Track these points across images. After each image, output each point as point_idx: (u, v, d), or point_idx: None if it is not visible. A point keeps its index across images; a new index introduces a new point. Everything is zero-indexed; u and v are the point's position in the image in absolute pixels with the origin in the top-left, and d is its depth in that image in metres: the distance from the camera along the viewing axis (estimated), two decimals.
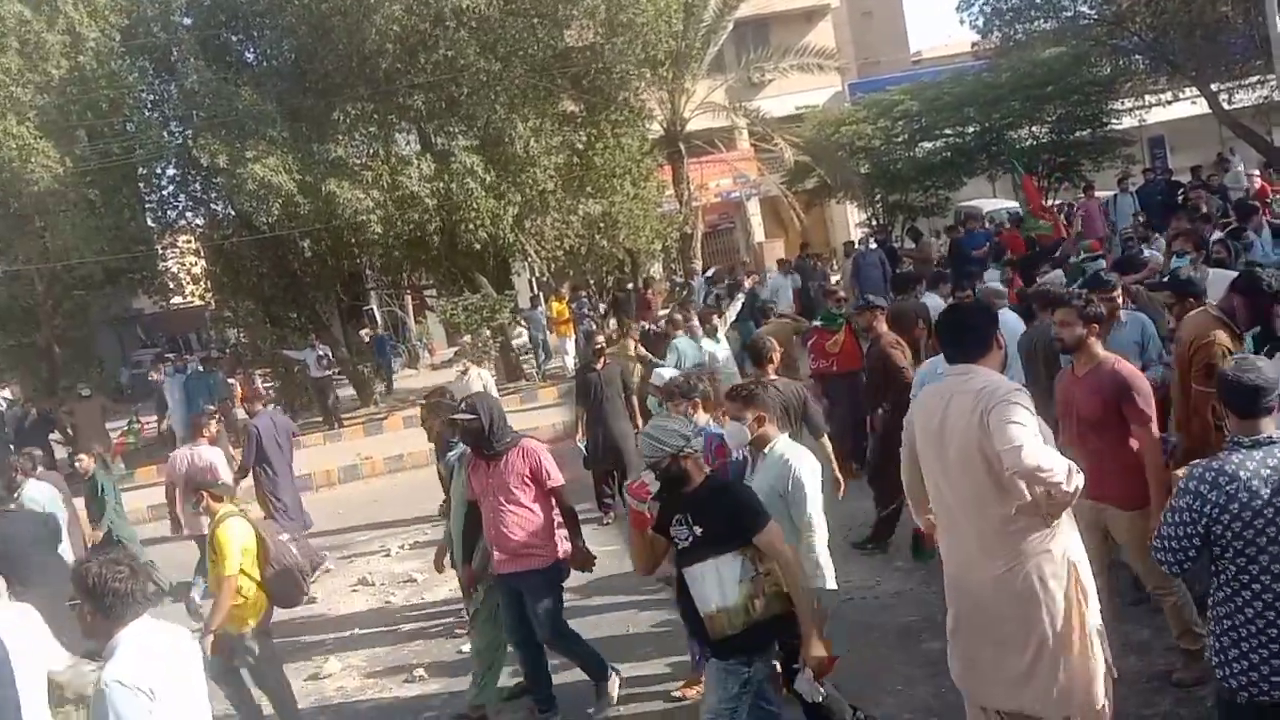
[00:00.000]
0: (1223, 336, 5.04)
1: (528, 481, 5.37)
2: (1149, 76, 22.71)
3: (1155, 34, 21.26)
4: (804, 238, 22.76)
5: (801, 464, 4.60)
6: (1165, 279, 6.36)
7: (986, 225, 18.69)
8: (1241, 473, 3.05)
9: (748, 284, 14.70)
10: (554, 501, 5.49)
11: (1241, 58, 20.51)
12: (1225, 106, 21.81)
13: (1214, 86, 21.49)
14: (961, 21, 24.80)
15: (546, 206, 18.24)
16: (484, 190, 16.71)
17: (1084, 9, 22.10)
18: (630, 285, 21.34)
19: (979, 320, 3.80)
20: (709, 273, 19.62)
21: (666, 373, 7.32)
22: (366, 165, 17.49)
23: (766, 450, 4.72)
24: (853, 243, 21.35)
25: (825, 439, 6.42)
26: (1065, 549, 3.63)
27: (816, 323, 10.07)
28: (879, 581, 7.00)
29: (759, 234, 27.99)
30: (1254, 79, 20.71)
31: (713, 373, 8.79)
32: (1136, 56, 22.26)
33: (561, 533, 5.55)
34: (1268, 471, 3.03)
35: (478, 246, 17.71)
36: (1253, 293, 5.15)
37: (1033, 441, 3.42)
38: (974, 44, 25.43)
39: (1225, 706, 3.34)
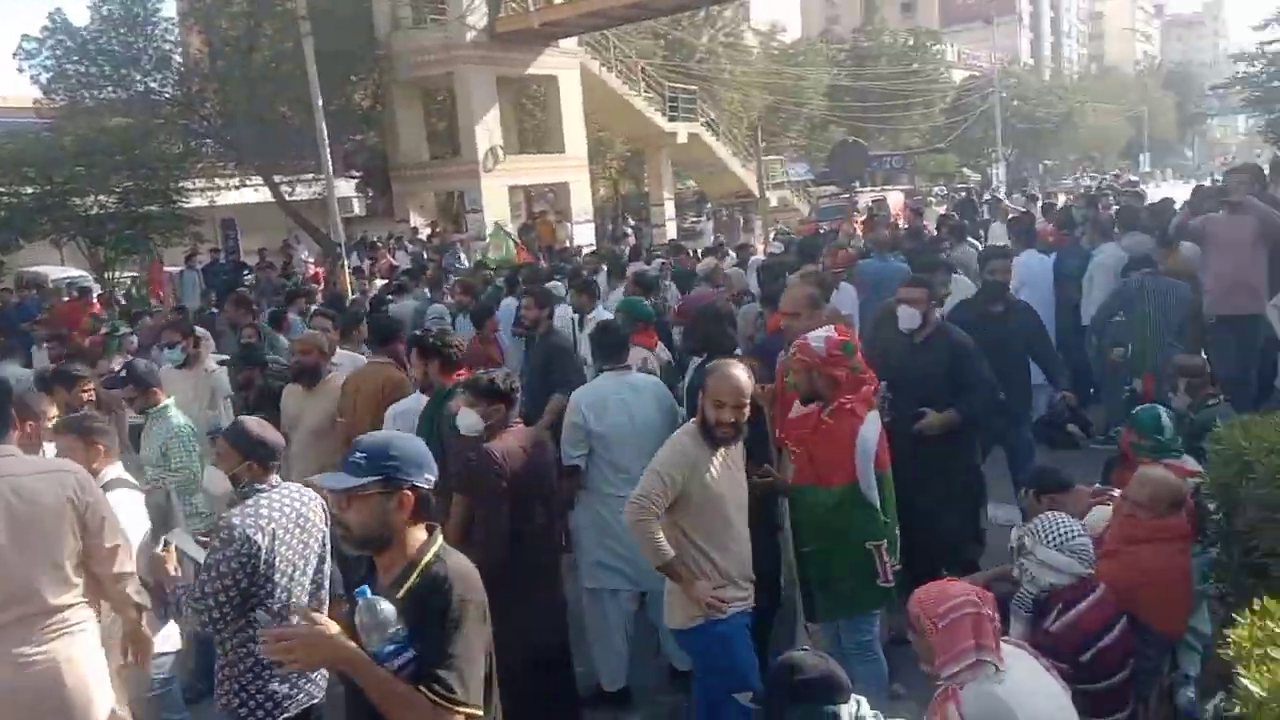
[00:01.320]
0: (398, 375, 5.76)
1: None
2: (219, 160, 23.73)
3: (224, 121, 22.36)
4: None
5: None
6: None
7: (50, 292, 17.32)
8: (273, 517, 3.30)
9: None
10: None
11: (300, 155, 22.68)
12: (287, 197, 23.88)
13: (277, 178, 23.38)
14: (21, 70, 22.67)
15: None
16: None
17: (154, 85, 22.21)
18: None
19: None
20: None
21: None
22: None
23: None
24: None
25: None
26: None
27: None
28: None
29: None
30: (310, 176, 23.06)
31: None
32: (207, 140, 23.10)
33: None
34: (291, 511, 3.35)
35: None
36: (428, 350, 5.64)
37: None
38: (36, 101, 23.54)
39: None
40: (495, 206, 23.16)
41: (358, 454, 2.42)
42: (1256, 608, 2.40)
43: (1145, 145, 70.62)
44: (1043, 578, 3.33)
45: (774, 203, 32.80)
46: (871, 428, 4.15)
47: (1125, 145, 71.28)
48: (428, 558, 2.44)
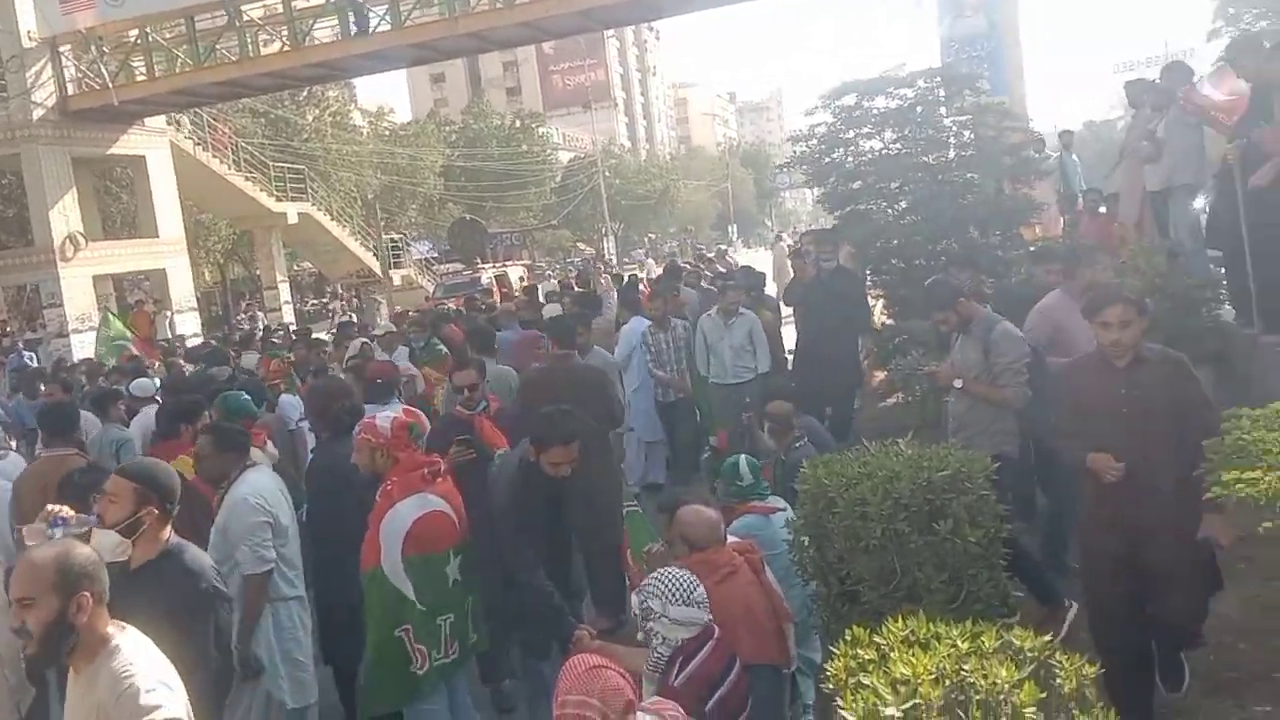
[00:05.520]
0: None
1: None
2: None
3: None
4: None
5: None
6: None
7: None
8: None
9: None
10: None
11: None
12: None
13: None
14: None
15: None
16: None
17: None
18: None
19: None
20: None
21: None
22: None
23: None
24: None
25: None
26: None
27: None
28: None
29: None
30: None
31: None
32: None
33: None
34: None
35: None
36: None
37: None
38: None
39: None
40: (78, 299, 20.78)
41: None
42: (848, 638, 2.57)
43: (732, 218, 78.25)
44: (674, 635, 3.30)
45: (398, 281, 32.42)
46: (408, 508, 4.11)
47: (716, 218, 78.57)
48: None
